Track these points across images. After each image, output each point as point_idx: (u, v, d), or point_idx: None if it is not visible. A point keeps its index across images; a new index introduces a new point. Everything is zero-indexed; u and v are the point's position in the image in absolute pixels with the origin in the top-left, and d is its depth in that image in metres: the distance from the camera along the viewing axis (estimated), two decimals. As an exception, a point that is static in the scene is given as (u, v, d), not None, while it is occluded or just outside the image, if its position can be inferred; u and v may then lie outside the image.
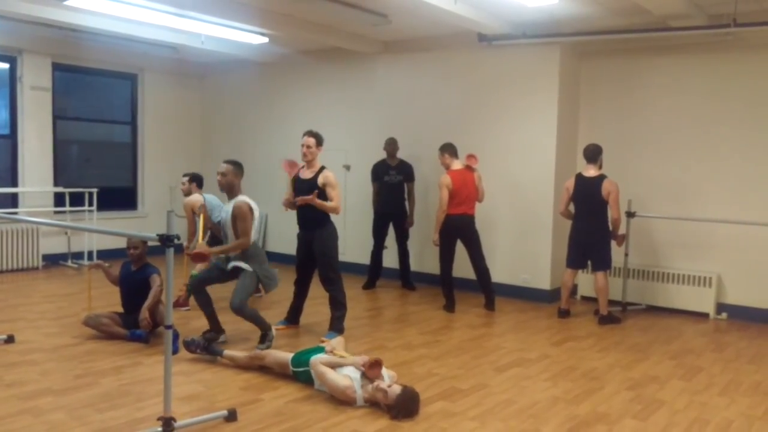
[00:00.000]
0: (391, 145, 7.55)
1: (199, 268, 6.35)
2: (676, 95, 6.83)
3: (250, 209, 4.99)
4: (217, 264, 5.18)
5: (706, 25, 6.15)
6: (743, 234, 6.49)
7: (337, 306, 5.59)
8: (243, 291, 4.91)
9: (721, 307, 6.66)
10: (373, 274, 7.69)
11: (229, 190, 5.09)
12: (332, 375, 4.01)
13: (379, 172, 7.59)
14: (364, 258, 7.91)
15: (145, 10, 6.60)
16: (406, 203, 7.61)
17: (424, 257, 8.00)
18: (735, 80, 6.52)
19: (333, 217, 5.63)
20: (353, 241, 8.45)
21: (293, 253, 5.78)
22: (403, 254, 7.68)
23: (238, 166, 5.15)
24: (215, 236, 5.51)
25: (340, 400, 3.97)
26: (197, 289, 5.13)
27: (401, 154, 7.64)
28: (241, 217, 4.92)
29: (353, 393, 3.92)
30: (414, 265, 7.84)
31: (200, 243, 4.94)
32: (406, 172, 7.56)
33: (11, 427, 3.50)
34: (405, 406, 3.77)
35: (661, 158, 6.93)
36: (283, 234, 6.87)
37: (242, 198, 5.03)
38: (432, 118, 7.87)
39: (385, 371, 4.08)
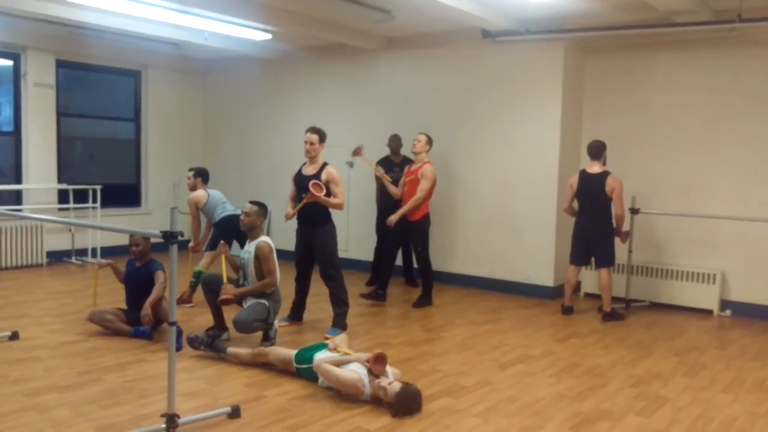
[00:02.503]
0: (395, 142, 7.52)
1: (203, 264, 6.38)
2: (681, 91, 6.81)
3: (271, 249, 5.04)
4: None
5: (711, 20, 6.12)
6: (748, 230, 6.47)
7: (339, 303, 5.58)
8: (252, 312, 4.91)
9: (725, 304, 6.64)
10: (376, 270, 7.68)
11: (251, 229, 5.13)
12: (339, 371, 4.00)
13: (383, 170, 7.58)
14: (367, 255, 7.91)
15: (148, 6, 6.59)
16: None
17: (430, 254, 7.96)
18: (740, 76, 6.49)
19: (336, 213, 5.64)
20: (356, 238, 8.45)
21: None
22: (407, 251, 7.67)
23: (263, 208, 5.20)
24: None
25: (345, 395, 3.97)
26: (207, 286, 5.15)
27: (405, 151, 7.62)
28: (264, 258, 4.97)
29: (363, 386, 3.91)
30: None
31: (225, 285, 4.97)
32: None
33: (16, 423, 3.52)
34: (404, 404, 3.77)
35: (666, 154, 6.91)
36: (286, 231, 6.89)
37: (264, 239, 5.07)
38: (436, 114, 7.86)
39: (389, 368, 4.08)
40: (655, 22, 6.38)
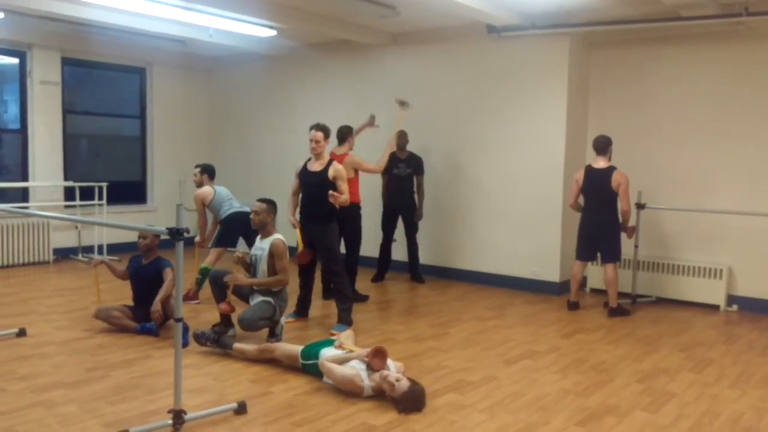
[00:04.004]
0: (401, 138, 7.48)
1: (209, 260, 6.39)
2: (687, 85, 6.77)
3: (286, 247, 5.06)
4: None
5: (718, 14, 6.08)
6: (754, 225, 6.44)
7: (343, 299, 5.59)
8: (257, 311, 4.93)
9: (731, 299, 6.62)
10: (382, 267, 7.69)
11: (262, 227, 5.14)
12: (339, 368, 4.02)
13: (388, 164, 7.54)
14: (373, 251, 7.88)
15: (153, 3, 6.59)
16: (416, 196, 7.59)
17: (435, 250, 7.98)
18: (746, 70, 6.45)
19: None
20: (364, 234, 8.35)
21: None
22: (412, 247, 7.67)
23: (271, 205, 5.20)
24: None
25: (348, 392, 3.98)
26: (215, 282, 5.17)
27: (410, 147, 7.61)
28: (279, 255, 4.99)
29: (361, 381, 3.92)
30: (422, 258, 7.82)
31: (233, 274, 5.01)
32: (415, 165, 7.53)
33: (24, 420, 3.54)
34: (411, 403, 3.78)
35: (672, 149, 6.88)
36: (290, 227, 6.92)
37: (279, 236, 5.09)
38: (441, 110, 7.84)
39: (391, 362, 4.08)
40: (661, 16, 6.35)
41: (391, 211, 7.59)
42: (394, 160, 7.51)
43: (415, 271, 7.73)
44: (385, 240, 7.62)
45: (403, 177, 7.51)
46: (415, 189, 7.57)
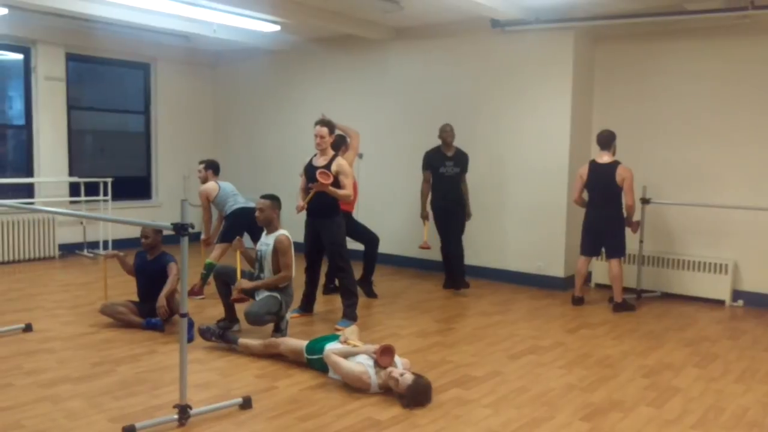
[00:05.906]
0: (447, 133, 6.76)
1: (214, 256, 6.40)
2: (692, 80, 6.74)
3: (290, 243, 5.05)
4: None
5: (723, 8, 6.04)
6: (760, 220, 6.42)
7: (348, 294, 5.59)
8: (264, 306, 4.92)
9: (737, 294, 6.61)
10: (449, 271, 7.04)
11: (268, 224, 5.12)
12: (346, 363, 4.02)
13: (433, 162, 6.80)
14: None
15: (157, -1, 6.61)
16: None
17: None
18: (752, 64, 6.42)
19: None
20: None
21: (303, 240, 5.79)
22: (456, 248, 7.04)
23: (275, 201, 5.16)
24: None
25: (354, 387, 3.98)
26: (219, 278, 5.18)
27: (414, 141, 7.55)
28: (283, 251, 4.98)
29: (368, 378, 3.93)
30: (429, 254, 7.76)
31: (239, 280, 5.01)
32: (463, 163, 6.87)
33: (31, 414, 3.55)
34: (416, 396, 3.78)
35: (677, 144, 6.86)
36: (296, 223, 6.91)
37: (283, 232, 5.07)
38: (445, 104, 7.82)
39: (398, 359, 4.09)
40: (666, 9, 6.32)
41: (442, 210, 6.85)
42: (440, 157, 6.80)
43: (457, 270, 6.95)
44: (445, 242, 6.89)
45: (451, 176, 6.79)
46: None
